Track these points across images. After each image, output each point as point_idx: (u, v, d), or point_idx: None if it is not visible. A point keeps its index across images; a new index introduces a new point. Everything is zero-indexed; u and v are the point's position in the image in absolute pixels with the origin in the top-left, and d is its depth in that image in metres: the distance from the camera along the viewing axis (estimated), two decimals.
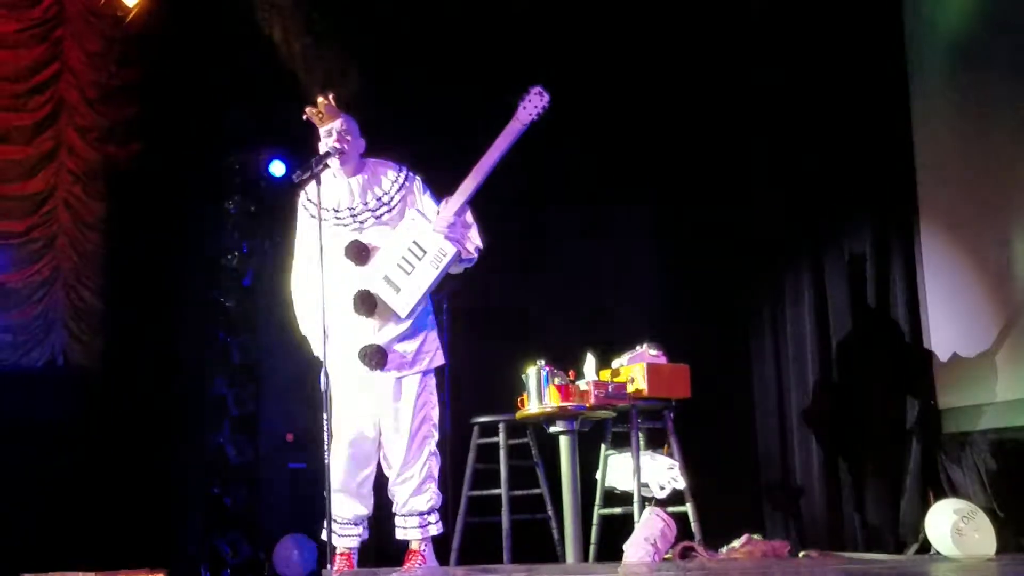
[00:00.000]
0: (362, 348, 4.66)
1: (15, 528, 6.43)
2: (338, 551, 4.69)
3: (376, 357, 4.64)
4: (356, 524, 4.77)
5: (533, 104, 4.71)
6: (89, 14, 7.17)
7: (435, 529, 4.82)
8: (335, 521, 4.59)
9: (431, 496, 4.79)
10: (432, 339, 4.88)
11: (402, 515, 4.78)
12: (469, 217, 4.83)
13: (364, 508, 4.77)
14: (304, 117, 4.80)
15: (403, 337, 4.74)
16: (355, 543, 4.78)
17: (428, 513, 4.79)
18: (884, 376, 6.14)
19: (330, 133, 4.71)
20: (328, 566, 4.19)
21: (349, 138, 4.72)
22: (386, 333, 4.71)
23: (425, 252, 4.69)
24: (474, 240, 4.83)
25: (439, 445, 4.88)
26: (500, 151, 4.72)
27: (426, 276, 4.69)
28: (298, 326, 4.87)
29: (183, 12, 7.13)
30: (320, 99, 4.79)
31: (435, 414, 4.87)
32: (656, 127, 7.23)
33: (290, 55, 6.93)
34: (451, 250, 4.72)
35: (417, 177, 4.90)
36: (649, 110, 7.21)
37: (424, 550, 4.78)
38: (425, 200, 4.86)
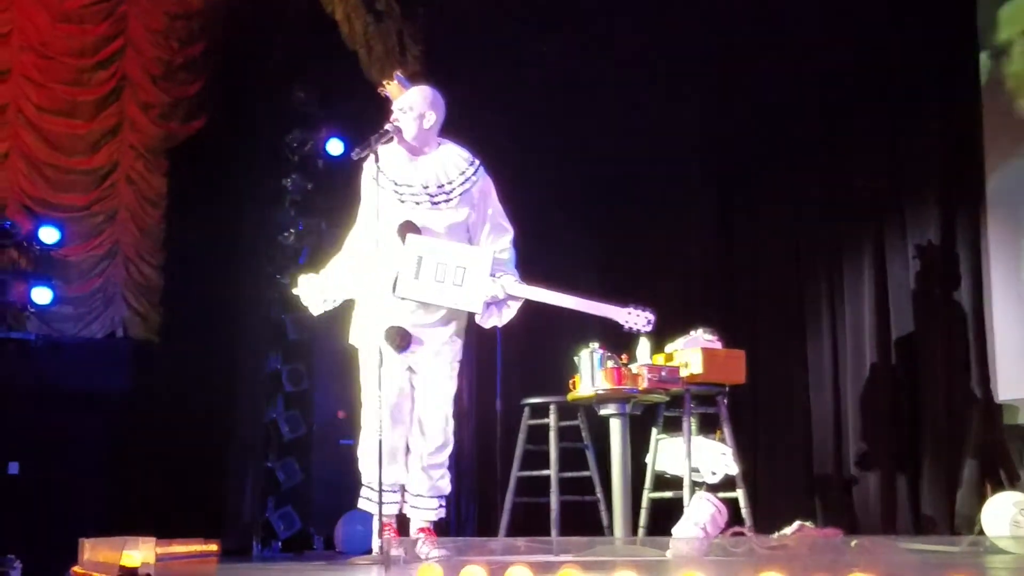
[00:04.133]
0: (388, 329, 4.63)
1: (77, 495, 6.56)
2: (384, 520, 4.68)
3: (398, 338, 4.60)
4: (395, 491, 4.76)
5: (635, 322, 4.68)
6: None
7: (443, 512, 4.86)
8: (370, 488, 4.60)
9: (448, 480, 4.81)
10: (463, 332, 4.80)
11: (425, 496, 4.76)
12: (518, 304, 4.76)
13: (402, 473, 4.77)
14: (380, 91, 4.78)
15: (435, 326, 4.71)
16: (395, 510, 4.78)
17: (444, 497, 4.81)
18: (944, 367, 6.05)
19: (398, 109, 4.69)
20: (378, 538, 4.21)
21: (404, 117, 4.66)
22: (419, 317, 4.70)
23: (460, 286, 4.63)
24: (499, 319, 4.74)
25: (491, 424, 4.89)
26: (581, 308, 4.68)
27: (441, 298, 4.61)
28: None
29: None
30: (396, 74, 4.78)
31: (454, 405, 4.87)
32: (721, 113, 7.18)
33: (352, 34, 6.96)
34: (477, 309, 4.64)
35: (489, 178, 4.77)
36: (716, 94, 7.15)
37: (431, 528, 4.80)
38: (491, 205, 4.76)
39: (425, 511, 4.73)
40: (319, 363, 7.52)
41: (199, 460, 6.99)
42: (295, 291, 4.89)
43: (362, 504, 4.67)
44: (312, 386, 7.59)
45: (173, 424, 6.92)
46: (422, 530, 4.72)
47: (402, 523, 4.82)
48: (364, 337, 4.68)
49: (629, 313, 4.68)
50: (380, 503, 4.27)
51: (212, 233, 7.19)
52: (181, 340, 7.16)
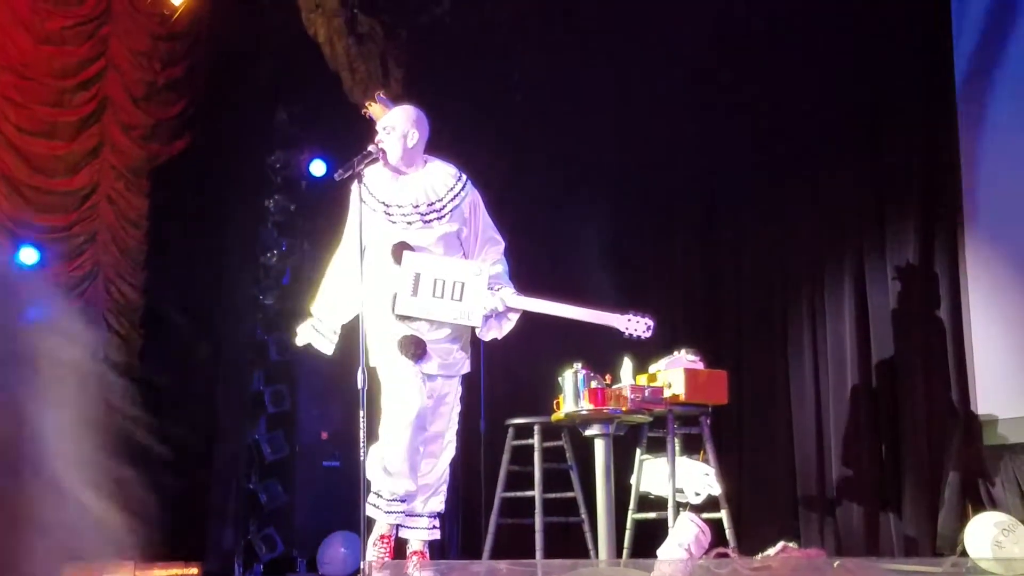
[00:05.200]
0: (401, 338, 4.63)
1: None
2: (383, 531, 4.65)
3: (412, 347, 4.61)
4: (402, 501, 4.74)
5: (635, 329, 4.69)
6: (136, 12, 7.24)
7: (437, 533, 4.84)
8: (379, 496, 4.57)
9: (443, 499, 4.80)
10: (467, 348, 4.84)
11: (418, 515, 4.75)
12: (516, 316, 4.77)
13: (413, 484, 4.74)
14: (363, 113, 4.80)
15: (444, 340, 4.73)
16: (398, 520, 4.75)
17: (438, 516, 4.80)
18: (925, 386, 6.07)
19: (382, 129, 4.70)
20: (364, 559, 4.20)
21: (388, 137, 4.67)
22: (430, 332, 4.70)
23: (459, 301, 4.63)
24: (499, 331, 4.77)
25: (474, 445, 4.89)
26: (580, 318, 4.70)
27: (441, 314, 4.64)
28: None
29: (229, 12, 7.18)
30: (378, 95, 4.79)
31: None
32: (705, 132, 7.21)
33: (334, 56, 6.97)
34: (477, 323, 4.67)
35: (477, 192, 4.80)
36: (701, 113, 7.19)
37: (426, 550, 4.79)
38: (482, 218, 4.79)
39: (419, 530, 4.73)
40: (302, 384, 7.50)
41: (180, 482, 6.93)
42: (299, 343, 4.87)
43: (370, 512, 4.61)
44: (295, 407, 7.56)
45: (149, 447, 6.86)
46: (415, 553, 4.71)
47: (399, 545, 4.80)
48: (380, 355, 4.66)
49: (629, 320, 4.70)
50: (365, 517, 4.27)
51: (194, 254, 7.16)
52: (162, 361, 7.11)
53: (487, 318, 4.68)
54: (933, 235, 6.20)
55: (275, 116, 7.65)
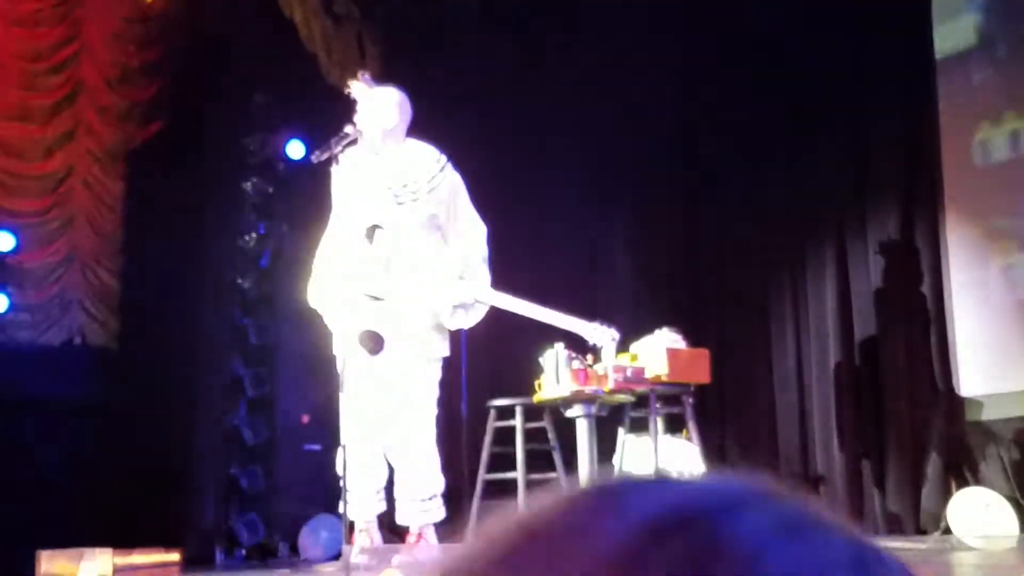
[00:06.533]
0: (361, 333, 4.58)
1: (33, 505, 6.43)
2: (360, 525, 4.63)
3: (370, 343, 4.55)
4: (377, 493, 4.70)
5: (601, 338, 4.69)
6: None
7: (437, 514, 4.77)
8: (351, 492, 4.55)
9: (430, 480, 4.73)
10: (440, 328, 4.73)
11: (406, 500, 4.72)
12: (484, 308, 4.72)
13: (382, 478, 4.70)
14: (345, 91, 4.73)
15: (406, 324, 4.66)
16: (373, 512, 4.72)
17: (430, 499, 4.74)
18: (907, 364, 6.08)
19: (364, 109, 4.63)
20: (347, 544, 4.17)
21: (370, 116, 4.61)
22: (390, 318, 4.65)
23: (429, 283, 4.57)
24: (466, 321, 4.71)
25: (456, 427, 4.84)
26: (548, 321, 4.67)
27: (409, 295, 4.56)
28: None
29: None
30: (362, 74, 4.72)
31: (436, 405, 4.78)
32: (687, 115, 7.18)
33: (311, 36, 6.90)
34: (444, 310, 4.61)
35: (457, 175, 4.72)
36: (682, 98, 7.15)
37: (425, 534, 4.74)
38: (461, 202, 4.71)
39: (412, 515, 4.68)
40: (282, 367, 7.44)
41: (160, 467, 6.88)
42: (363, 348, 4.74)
43: (350, 511, 4.57)
44: (275, 391, 7.50)
45: (133, 431, 6.81)
46: (412, 536, 4.68)
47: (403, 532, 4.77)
48: (342, 346, 4.56)
49: (595, 329, 4.69)
50: (346, 501, 4.22)
51: (172, 238, 7.09)
52: (140, 346, 7.05)
53: (455, 307, 4.61)
54: (914, 212, 6.20)
55: (252, 98, 7.56)
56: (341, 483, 4.27)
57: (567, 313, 4.72)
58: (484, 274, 4.70)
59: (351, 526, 4.50)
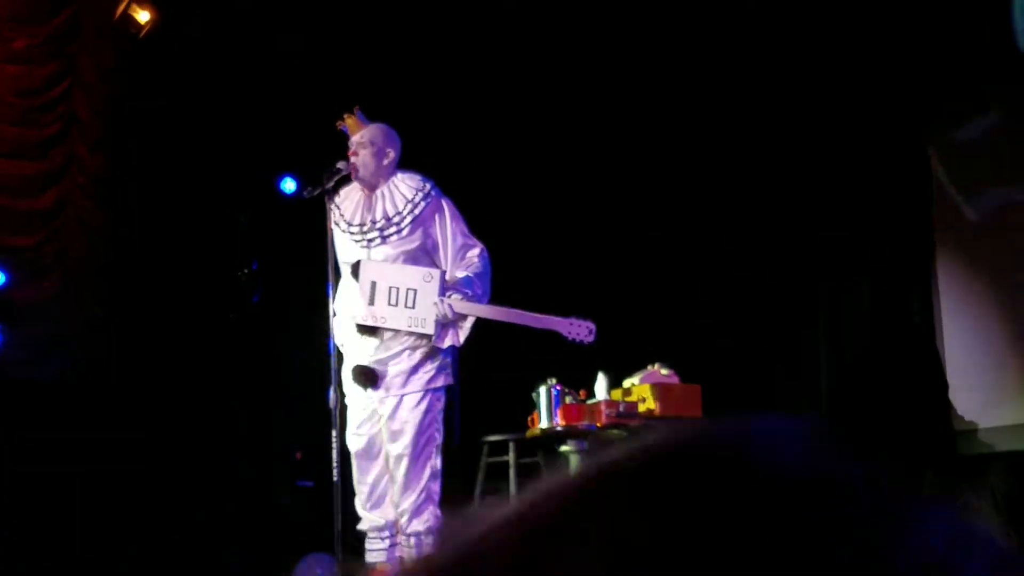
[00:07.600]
0: (354, 368, 4.60)
1: (26, 541, 6.40)
2: (373, 567, 4.60)
3: (363, 378, 4.56)
4: (383, 530, 4.69)
5: (578, 333, 4.57)
6: (102, 29, 7.18)
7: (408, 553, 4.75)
8: (365, 533, 4.55)
9: (428, 518, 4.70)
10: (434, 358, 4.71)
11: (406, 535, 4.69)
12: (470, 321, 4.71)
13: (380, 516, 4.68)
14: (338, 128, 4.75)
15: (397, 357, 4.66)
16: (383, 556, 4.69)
17: (425, 535, 4.71)
18: (899, 398, 6.09)
19: (358, 144, 4.65)
20: None
21: (363, 152, 4.63)
22: (381, 352, 4.65)
23: (412, 308, 4.58)
24: (456, 338, 4.69)
25: (449, 461, 4.81)
26: (527, 323, 4.63)
27: (397, 322, 4.58)
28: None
29: (196, 27, 7.14)
30: (352, 111, 4.74)
31: (438, 435, 4.72)
32: (676, 152, 7.21)
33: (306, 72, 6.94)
34: (430, 330, 4.59)
35: (444, 199, 4.72)
36: (661, 134, 7.19)
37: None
38: (448, 227, 4.69)
39: (406, 550, 4.66)
40: (276, 403, 7.42)
41: (151, 503, 6.85)
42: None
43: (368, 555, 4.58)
44: (268, 426, 7.48)
45: (124, 466, 6.78)
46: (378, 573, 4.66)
47: None
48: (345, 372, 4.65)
49: (571, 324, 4.56)
50: (340, 537, 4.22)
51: (165, 272, 7.10)
52: (133, 381, 7.03)
53: (441, 326, 4.60)
54: (905, 248, 6.23)
55: (246, 131, 7.58)
56: (335, 522, 4.27)
57: (542, 312, 4.65)
58: (464, 287, 4.66)
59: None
